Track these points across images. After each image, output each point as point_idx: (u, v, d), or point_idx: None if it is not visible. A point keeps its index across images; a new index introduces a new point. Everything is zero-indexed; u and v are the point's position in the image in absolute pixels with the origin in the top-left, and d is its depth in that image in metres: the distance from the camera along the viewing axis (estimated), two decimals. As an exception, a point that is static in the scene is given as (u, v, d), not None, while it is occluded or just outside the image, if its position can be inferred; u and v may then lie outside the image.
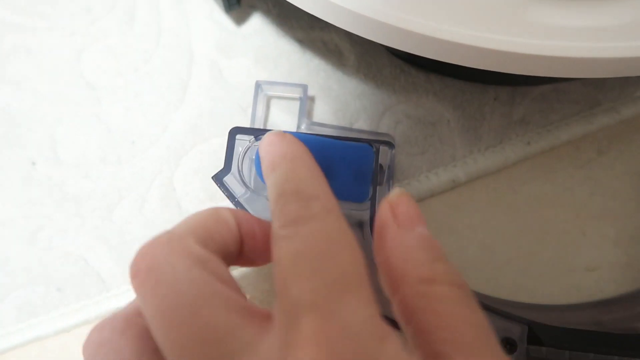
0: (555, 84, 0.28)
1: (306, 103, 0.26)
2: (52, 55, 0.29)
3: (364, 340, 0.13)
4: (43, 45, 0.29)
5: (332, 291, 0.13)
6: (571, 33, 0.18)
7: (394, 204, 0.16)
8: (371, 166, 0.23)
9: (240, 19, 0.29)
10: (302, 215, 0.15)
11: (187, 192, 0.27)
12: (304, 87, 0.26)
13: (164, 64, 0.29)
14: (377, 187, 0.23)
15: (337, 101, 0.28)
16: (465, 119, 0.28)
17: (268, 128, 0.27)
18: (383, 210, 0.16)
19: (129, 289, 0.26)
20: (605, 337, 0.21)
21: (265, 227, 0.18)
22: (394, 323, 0.15)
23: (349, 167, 0.23)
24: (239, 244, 0.18)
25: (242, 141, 0.24)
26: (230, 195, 0.23)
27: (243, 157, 0.23)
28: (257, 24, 0.29)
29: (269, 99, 0.28)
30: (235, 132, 0.24)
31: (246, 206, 0.23)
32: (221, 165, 0.23)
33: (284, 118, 0.28)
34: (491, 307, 0.22)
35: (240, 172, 0.23)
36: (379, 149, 0.23)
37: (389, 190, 0.24)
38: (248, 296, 0.24)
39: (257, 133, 0.24)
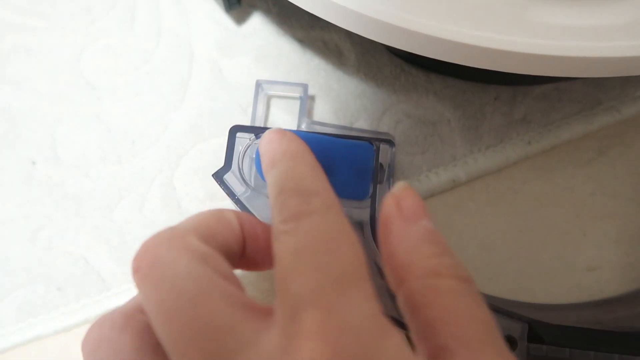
0: (556, 83, 0.28)
1: (306, 102, 0.26)
2: (52, 55, 0.29)
3: (366, 335, 0.13)
4: (43, 45, 0.29)
5: (334, 286, 0.13)
6: (572, 32, 0.18)
7: (398, 197, 0.16)
8: (371, 164, 0.23)
9: (240, 19, 0.29)
10: (303, 211, 0.15)
11: (187, 191, 0.27)
12: (305, 87, 0.26)
13: (164, 63, 0.29)
14: (377, 186, 0.23)
15: (338, 100, 0.28)
16: (466, 118, 0.28)
17: (269, 127, 0.27)
18: (388, 203, 0.16)
19: (129, 288, 0.26)
20: (606, 335, 0.21)
21: (268, 231, 0.18)
22: (393, 321, 0.15)
23: (349, 165, 0.23)
24: (242, 244, 0.18)
25: (242, 139, 0.24)
26: (231, 193, 0.23)
27: (243, 155, 0.23)
28: (258, 23, 0.29)
29: (269, 98, 0.28)
30: (235, 130, 0.24)
31: (246, 204, 0.23)
32: (221, 165, 0.23)
33: (284, 117, 0.28)
34: (492, 305, 0.22)
35: (240, 170, 0.23)
36: (379, 147, 0.23)
37: (389, 188, 0.24)
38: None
39: (257, 131, 0.24)
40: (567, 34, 0.18)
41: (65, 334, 0.26)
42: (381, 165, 0.23)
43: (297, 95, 0.28)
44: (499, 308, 0.22)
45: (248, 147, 0.24)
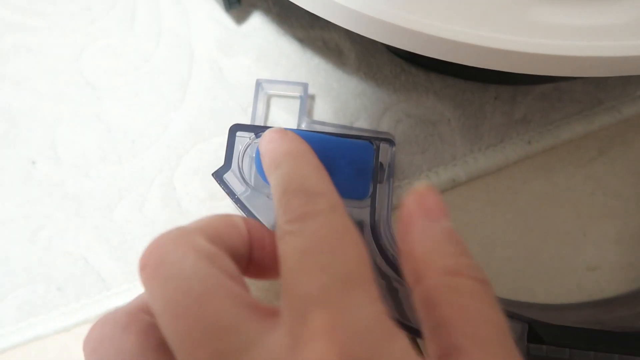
0: (556, 82, 0.28)
1: (306, 102, 0.26)
2: (52, 54, 0.29)
3: (373, 337, 0.13)
4: (43, 44, 0.29)
5: (341, 287, 0.13)
6: (573, 32, 0.18)
7: (421, 195, 0.16)
8: (371, 163, 0.23)
9: (240, 18, 0.29)
10: (308, 211, 0.15)
11: (187, 191, 0.27)
12: (305, 86, 0.26)
13: (164, 63, 0.29)
14: (377, 185, 0.23)
15: (338, 100, 0.28)
16: (466, 117, 0.28)
17: (269, 126, 0.27)
18: (411, 200, 0.16)
19: (129, 288, 0.26)
20: (606, 335, 0.21)
21: (274, 237, 0.18)
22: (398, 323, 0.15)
23: (349, 164, 0.23)
24: (248, 247, 0.18)
25: (242, 138, 0.24)
26: (230, 193, 0.23)
27: (243, 155, 0.23)
28: (258, 22, 0.29)
29: (269, 98, 0.28)
30: (235, 129, 0.24)
31: (246, 203, 0.23)
32: (221, 164, 0.23)
33: (284, 117, 0.28)
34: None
35: (240, 169, 0.23)
36: (379, 146, 0.23)
37: (389, 188, 0.24)
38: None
39: (257, 130, 0.24)
40: (568, 33, 0.18)
41: (65, 334, 0.26)
42: (381, 164, 0.23)
43: (297, 94, 0.28)
44: (499, 308, 0.22)
45: (248, 146, 0.24)
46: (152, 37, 0.29)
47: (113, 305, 0.26)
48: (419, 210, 0.16)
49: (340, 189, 0.17)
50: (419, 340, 0.23)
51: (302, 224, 0.15)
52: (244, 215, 0.23)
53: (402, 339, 0.13)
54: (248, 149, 0.23)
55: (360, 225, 0.23)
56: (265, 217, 0.23)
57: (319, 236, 0.15)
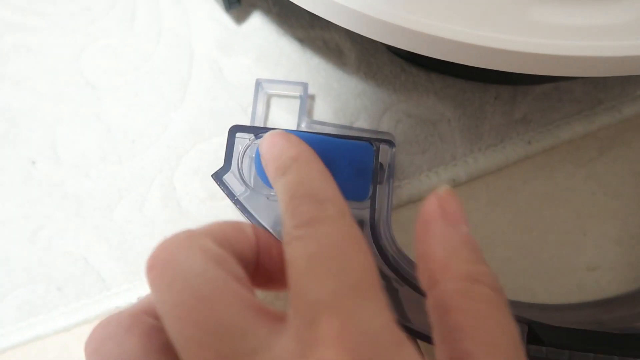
0: (556, 82, 0.28)
1: (306, 101, 0.26)
2: (52, 54, 0.29)
3: (383, 344, 0.13)
4: (43, 44, 0.29)
5: (351, 293, 0.13)
6: (573, 32, 0.18)
7: (442, 199, 0.16)
8: (371, 164, 0.23)
9: (240, 18, 0.29)
10: (317, 217, 0.15)
11: (187, 191, 0.27)
12: (305, 85, 0.26)
13: (164, 63, 0.29)
14: (377, 186, 0.23)
15: (338, 100, 0.28)
16: (466, 117, 0.28)
17: (268, 127, 0.27)
18: (430, 203, 0.16)
19: (129, 288, 0.26)
20: (606, 336, 0.21)
21: (282, 248, 0.18)
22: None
23: (349, 165, 0.23)
24: (256, 254, 0.18)
25: (242, 139, 0.24)
26: (230, 194, 0.23)
27: (243, 156, 0.23)
28: (258, 22, 0.29)
29: (269, 98, 0.28)
30: (235, 130, 0.24)
31: (246, 204, 0.23)
32: (221, 164, 0.23)
33: (284, 116, 0.28)
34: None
35: (240, 170, 0.23)
36: (379, 147, 0.23)
37: (389, 188, 0.24)
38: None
39: (257, 131, 0.24)
40: (568, 33, 0.18)
41: (65, 334, 0.26)
42: (381, 165, 0.23)
43: (297, 94, 0.28)
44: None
45: (248, 147, 0.23)
46: (152, 37, 0.29)
47: (113, 305, 0.26)
48: (440, 213, 0.16)
49: (340, 190, 0.17)
50: (418, 341, 0.23)
51: (310, 229, 0.15)
52: (244, 216, 0.23)
53: (410, 347, 0.13)
54: (248, 150, 0.23)
55: (360, 225, 0.23)
56: (265, 218, 0.23)
57: (328, 241, 0.15)
